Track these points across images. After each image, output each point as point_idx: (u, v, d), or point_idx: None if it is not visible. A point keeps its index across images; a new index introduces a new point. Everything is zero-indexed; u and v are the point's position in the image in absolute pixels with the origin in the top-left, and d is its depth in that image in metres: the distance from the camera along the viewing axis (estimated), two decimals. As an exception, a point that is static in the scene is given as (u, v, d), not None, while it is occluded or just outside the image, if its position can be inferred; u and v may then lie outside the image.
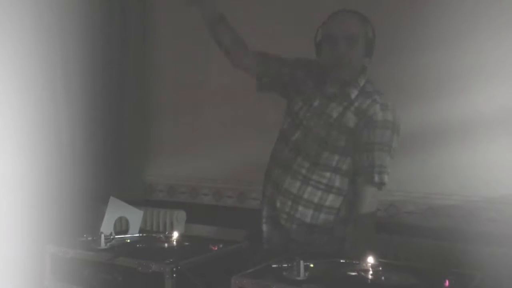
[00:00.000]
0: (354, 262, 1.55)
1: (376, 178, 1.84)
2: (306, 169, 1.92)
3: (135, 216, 1.99)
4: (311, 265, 1.45)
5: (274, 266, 1.49)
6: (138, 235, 1.96)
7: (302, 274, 1.39)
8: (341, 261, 1.58)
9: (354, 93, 1.91)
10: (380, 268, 1.49)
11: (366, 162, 1.85)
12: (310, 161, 1.91)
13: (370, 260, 1.50)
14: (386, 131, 1.85)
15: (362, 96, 1.90)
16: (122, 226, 2.04)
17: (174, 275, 1.54)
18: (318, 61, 1.99)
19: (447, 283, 1.36)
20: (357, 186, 1.90)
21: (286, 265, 1.46)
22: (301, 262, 1.39)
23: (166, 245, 1.86)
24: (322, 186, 1.91)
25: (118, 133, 3.40)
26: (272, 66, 2.09)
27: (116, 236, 1.89)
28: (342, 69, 1.90)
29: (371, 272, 1.46)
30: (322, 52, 1.96)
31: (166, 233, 1.97)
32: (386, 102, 1.88)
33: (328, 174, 1.91)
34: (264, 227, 2.03)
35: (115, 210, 1.93)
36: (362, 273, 1.46)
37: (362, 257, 1.51)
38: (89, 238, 1.85)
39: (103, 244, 1.77)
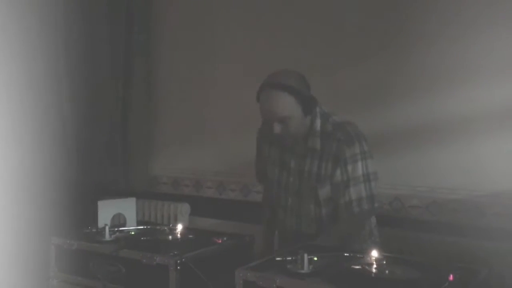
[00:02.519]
0: (358, 255, 1.55)
1: (356, 210, 1.87)
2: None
3: (128, 207, 1.98)
4: (315, 259, 1.45)
5: (278, 259, 1.49)
6: (142, 227, 1.96)
7: (306, 267, 1.39)
8: (345, 254, 1.58)
9: (317, 144, 1.90)
10: (384, 262, 1.49)
11: (343, 199, 1.88)
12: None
13: (374, 254, 1.50)
14: (356, 164, 1.87)
15: (326, 140, 1.89)
16: (120, 220, 2.03)
17: (179, 268, 1.54)
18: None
19: (451, 277, 1.36)
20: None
21: (290, 258, 1.46)
22: (305, 255, 1.40)
23: (170, 237, 1.86)
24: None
25: (123, 127, 3.41)
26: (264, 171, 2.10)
27: (120, 228, 1.90)
28: (286, 140, 1.92)
29: (375, 265, 1.46)
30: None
31: (170, 225, 1.98)
32: (349, 136, 1.88)
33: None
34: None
35: (107, 211, 1.92)
36: (366, 267, 1.46)
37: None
38: (94, 230, 1.86)
39: (107, 236, 1.78)
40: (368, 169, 1.88)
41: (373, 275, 1.42)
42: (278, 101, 1.83)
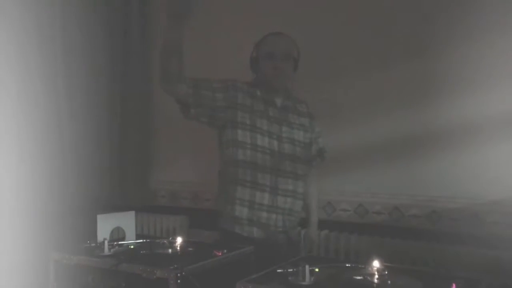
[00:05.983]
0: (360, 266, 1.55)
1: (326, 156, 2.28)
2: (271, 181, 2.07)
3: (127, 220, 1.97)
4: (317, 270, 1.44)
5: (279, 271, 1.48)
6: (141, 241, 1.95)
7: (308, 279, 1.38)
8: (347, 265, 1.57)
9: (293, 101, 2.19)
10: (386, 272, 1.48)
11: (316, 149, 2.25)
12: (277, 174, 2.07)
13: (376, 264, 1.49)
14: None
15: (295, 101, 2.20)
16: (119, 234, 2.02)
17: (179, 281, 1.53)
18: (256, 76, 2.17)
19: (453, 286, 1.35)
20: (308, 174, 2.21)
21: (291, 270, 1.45)
22: (307, 266, 1.39)
23: (170, 251, 1.84)
24: (289, 193, 2.10)
25: (120, 141, 3.41)
26: (205, 97, 2.10)
27: (119, 242, 1.88)
28: (281, 78, 2.12)
29: (376, 276, 1.45)
30: (259, 67, 2.14)
31: (170, 238, 1.96)
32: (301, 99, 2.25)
33: (291, 182, 2.10)
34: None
35: (106, 225, 1.91)
36: (368, 278, 1.45)
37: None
38: (93, 245, 1.85)
39: (106, 251, 1.76)
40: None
41: (375, 285, 1.42)
42: (286, 39, 2.12)
